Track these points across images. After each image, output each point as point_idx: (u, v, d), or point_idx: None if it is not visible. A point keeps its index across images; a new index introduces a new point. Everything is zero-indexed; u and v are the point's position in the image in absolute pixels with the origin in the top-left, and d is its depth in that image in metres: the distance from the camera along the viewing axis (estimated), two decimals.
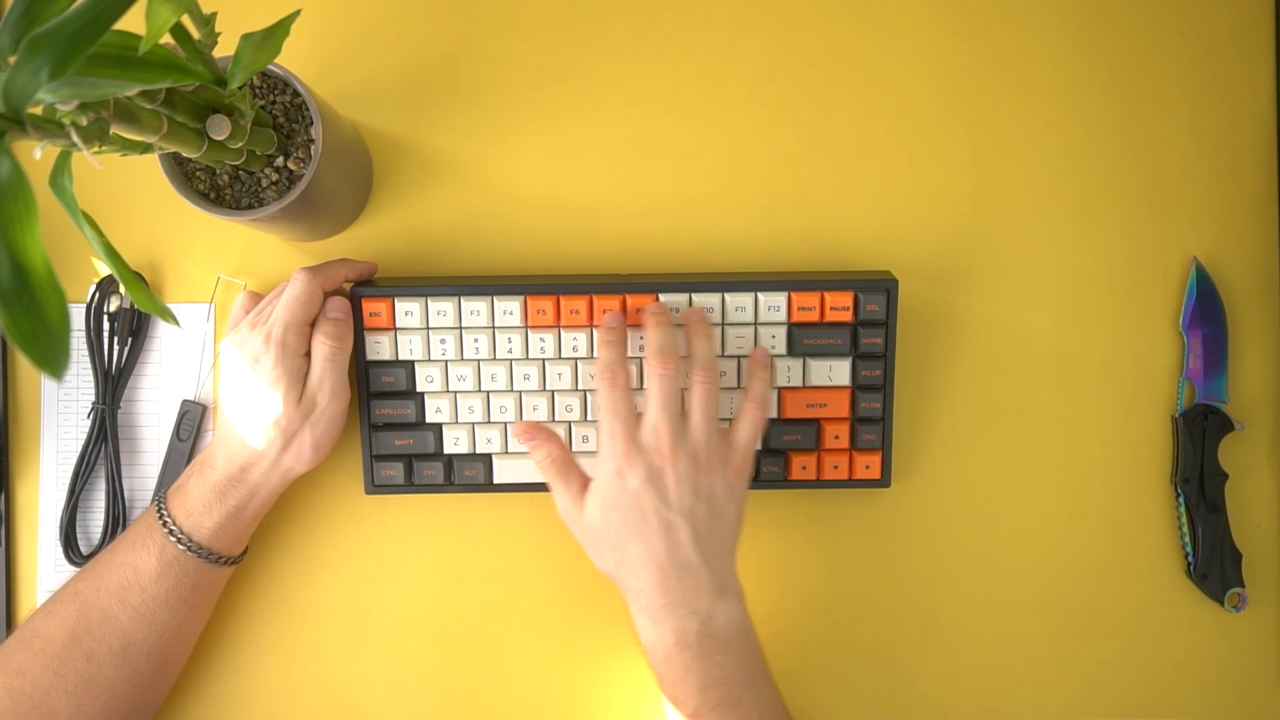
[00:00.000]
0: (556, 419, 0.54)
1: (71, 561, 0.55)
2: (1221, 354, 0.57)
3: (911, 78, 0.58)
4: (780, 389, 0.54)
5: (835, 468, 0.55)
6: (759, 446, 0.52)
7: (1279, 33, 0.59)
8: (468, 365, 0.54)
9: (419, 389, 0.54)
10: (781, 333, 0.53)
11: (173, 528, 0.49)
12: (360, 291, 0.53)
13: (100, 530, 0.56)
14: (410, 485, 0.55)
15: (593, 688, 0.57)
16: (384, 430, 0.54)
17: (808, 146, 0.58)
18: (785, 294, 0.53)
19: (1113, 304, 0.58)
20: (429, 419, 0.54)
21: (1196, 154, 0.58)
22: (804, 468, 0.55)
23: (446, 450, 0.55)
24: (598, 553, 0.49)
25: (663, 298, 0.53)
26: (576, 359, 0.54)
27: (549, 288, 0.53)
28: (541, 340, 0.53)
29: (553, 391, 0.54)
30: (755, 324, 0.53)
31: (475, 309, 0.53)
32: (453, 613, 0.57)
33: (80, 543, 0.56)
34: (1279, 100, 0.59)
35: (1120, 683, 0.57)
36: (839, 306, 0.53)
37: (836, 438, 0.55)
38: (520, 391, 0.54)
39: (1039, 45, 0.58)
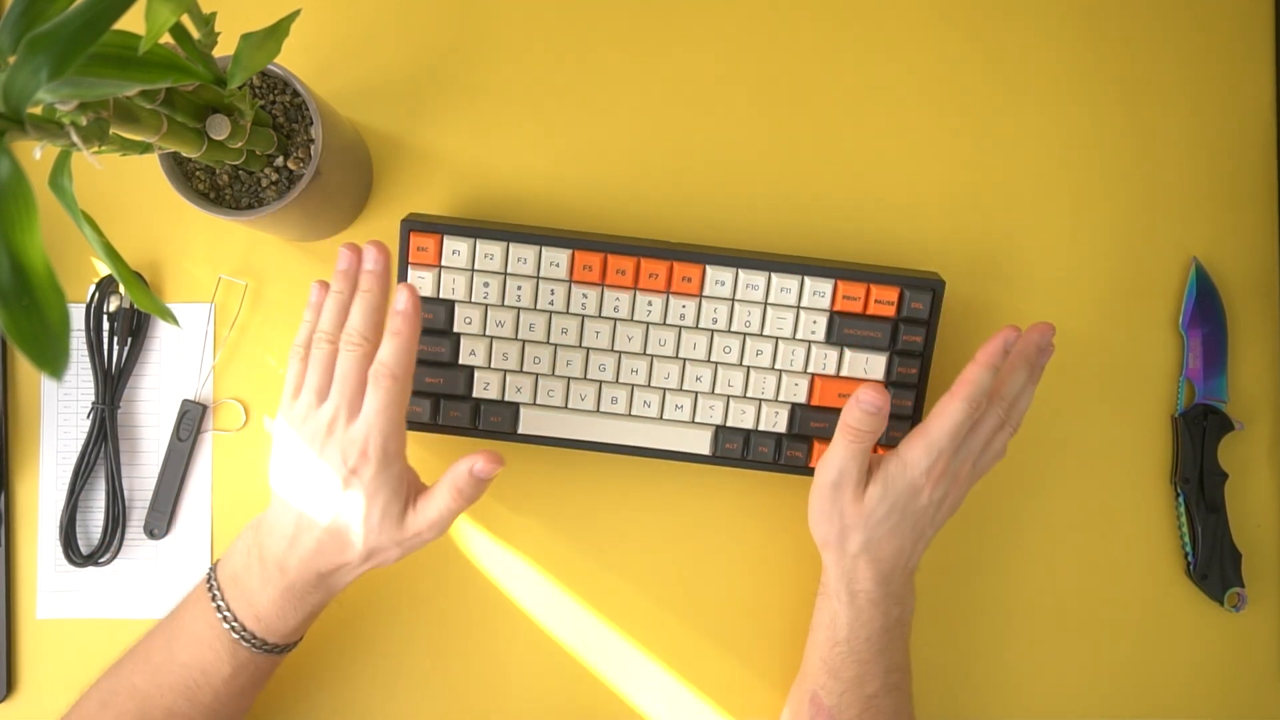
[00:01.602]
0: (588, 376, 0.54)
1: (71, 561, 0.55)
2: (1221, 354, 0.57)
3: (915, 78, 0.58)
4: (814, 375, 0.54)
5: None
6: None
7: (1279, 33, 0.59)
8: (507, 311, 0.54)
9: (456, 329, 0.54)
10: (823, 319, 0.53)
11: (245, 635, 0.46)
12: (410, 225, 0.53)
13: (100, 530, 0.56)
14: (434, 425, 0.55)
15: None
16: (416, 365, 0.54)
17: (817, 140, 0.58)
18: (832, 281, 0.53)
19: (1112, 303, 0.58)
20: (462, 360, 0.54)
21: (1196, 154, 0.58)
22: None
23: (475, 394, 0.55)
24: (849, 534, 0.49)
25: (710, 271, 0.53)
26: (615, 319, 0.54)
27: (599, 244, 0.53)
28: (584, 296, 0.53)
29: (588, 349, 0.54)
30: (798, 307, 0.53)
31: (523, 256, 0.53)
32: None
33: (80, 543, 0.56)
34: (1279, 100, 0.59)
35: (1120, 682, 0.57)
36: (883, 300, 0.53)
37: None
38: (556, 344, 0.54)
39: (1040, 46, 0.58)
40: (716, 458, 0.55)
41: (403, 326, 0.45)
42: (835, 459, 0.48)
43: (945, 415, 0.47)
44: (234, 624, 0.46)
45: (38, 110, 0.31)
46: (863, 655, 0.49)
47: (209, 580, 0.48)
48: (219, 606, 0.47)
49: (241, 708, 0.49)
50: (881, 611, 0.49)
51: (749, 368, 0.54)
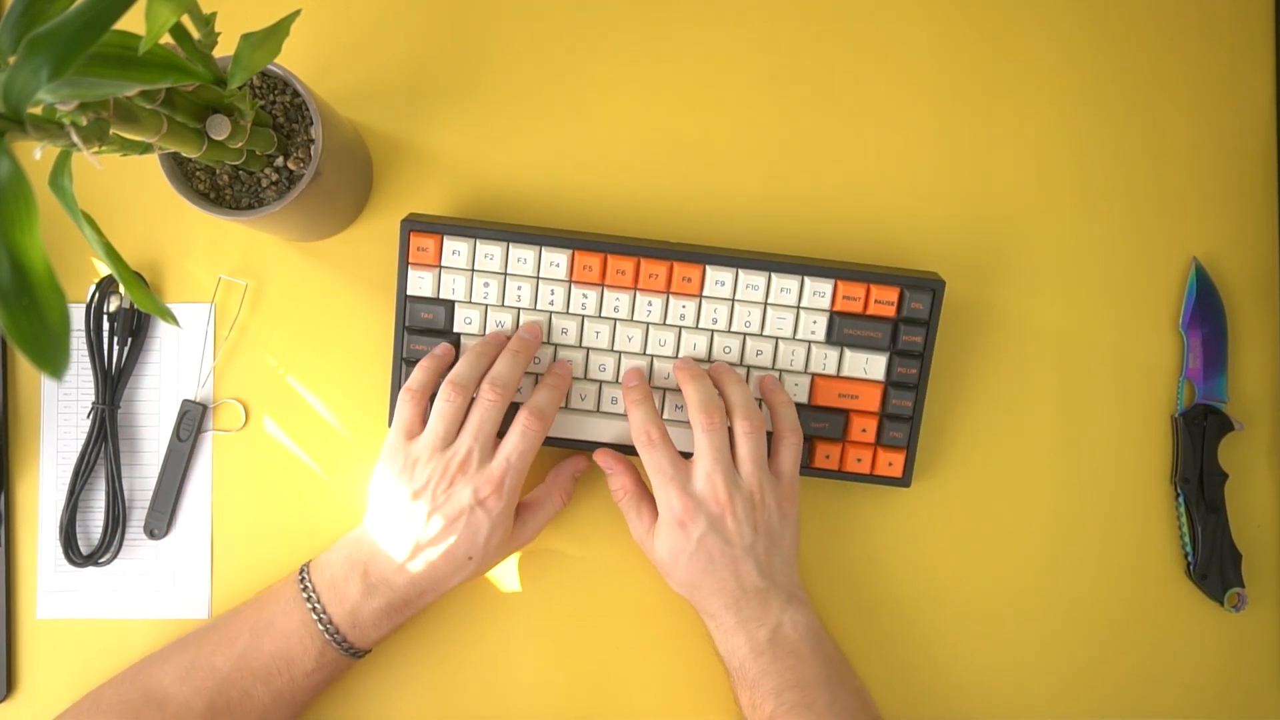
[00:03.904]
0: (589, 376, 0.54)
1: (71, 561, 0.55)
2: (1221, 354, 0.57)
3: (915, 79, 0.58)
4: (815, 375, 0.54)
5: (859, 461, 0.55)
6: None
7: (1279, 33, 0.59)
8: (507, 312, 0.54)
9: (456, 330, 0.54)
10: (823, 319, 0.54)
11: (338, 638, 0.49)
12: (410, 225, 0.53)
13: (100, 530, 0.56)
14: None
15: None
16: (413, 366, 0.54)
17: (817, 140, 0.58)
18: (832, 281, 0.53)
19: (1112, 304, 0.58)
20: None
21: (1197, 154, 0.58)
22: (827, 456, 0.55)
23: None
24: (670, 582, 0.52)
25: (710, 271, 0.53)
26: (616, 319, 0.54)
27: (598, 245, 0.53)
28: (584, 296, 0.53)
29: (588, 349, 0.54)
30: (798, 307, 0.53)
31: (522, 257, 0.53)
32: None
33: (80, 543, 0.56)
34: (1279, 100, 0.59)
35: (1120, 683, 0.57)
36: (884, 300, 0.53)
37: (864, 431, 0.54)
38: (556, 345, 0.54)
39: (1040, 47, 0.58)
40: None
41: (559, 381, 0.52)
42: (627, 522, 0.53)
43: (644, 458, 0.50)
44: (328, 626, 0.49)
45: (38, 110, 0.31)
46: (744, 681, 0.49)
47: (303, 583, 0.50)
48: (314, 609, 0.49)
49: (307, 700, 0.51)
50: (745, 637, 0.49)
51: (749, 368, 0.54)
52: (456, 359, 0.52)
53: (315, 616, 0.49)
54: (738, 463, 0.50)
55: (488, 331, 0.54)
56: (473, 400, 0.50)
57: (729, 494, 0.48)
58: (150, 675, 0.50)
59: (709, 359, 0.54)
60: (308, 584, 0.50)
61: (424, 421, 0.50)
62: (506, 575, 0.57)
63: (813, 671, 0.48)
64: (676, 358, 0.54)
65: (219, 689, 0.48)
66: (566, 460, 0.55)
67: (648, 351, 0.54)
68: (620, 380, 0.54)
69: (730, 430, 0.50)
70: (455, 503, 0.48)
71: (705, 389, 0.50)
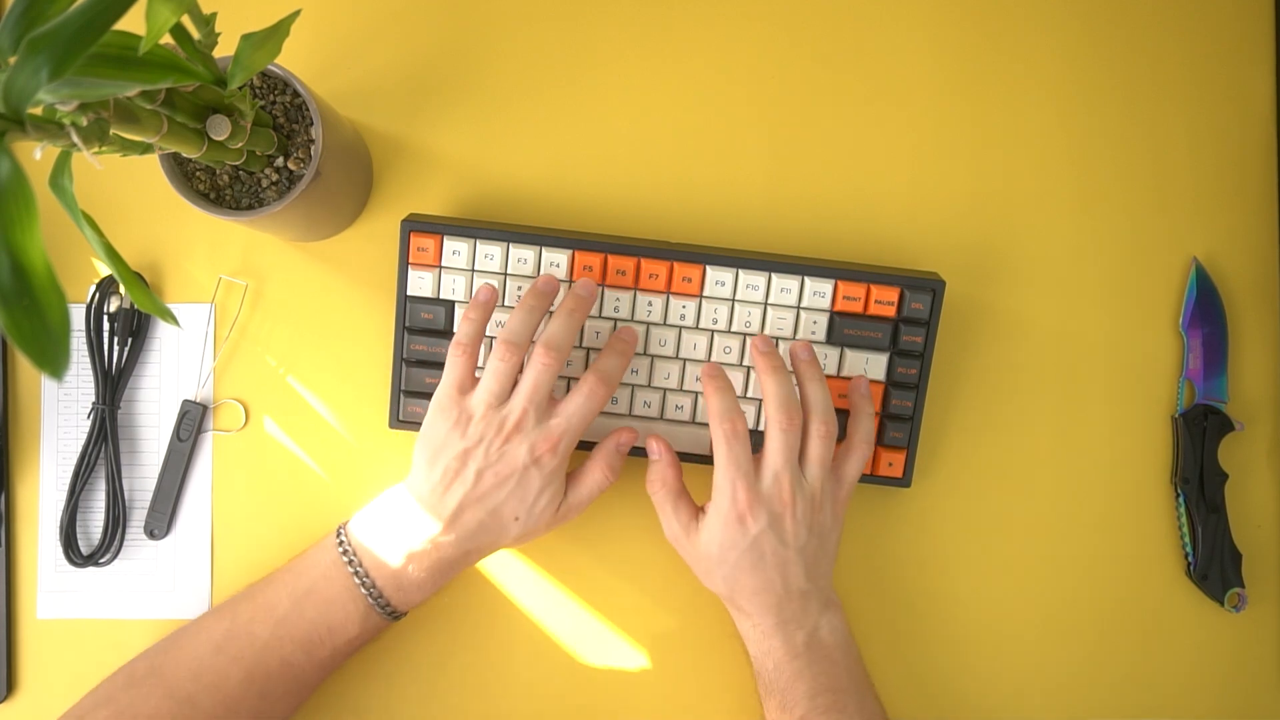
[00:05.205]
0: None
1: (72, 562, 0.55)
2: (1221, 354, 0.57)
3: (915, 80, 0.58)
4: None
5: None
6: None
7: (1279, 33, 0.59)
8: (508, 312, 0.53)
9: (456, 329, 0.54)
10: (823, 320, 0.54)
11: (382, 602, 0.49)
12: (410, 225, 0.53)
13: (100, 530, 0.56)
14: None
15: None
16: (416, 367, 0.54)
17: (817, 140, 0.58)
18: (832, 282, 0.53)
19: (1113, 304, 0.58)
20: None
21: (1197, 154, 0.58)
22: None
23: None
24: (708, 578, 0.51)
25: (710, 271, 0.53)
26: (616, 319, 0.54)
27: (598, 245, 0.53)
28: None
29: (589, 349, 0.54)
30: (799, 307, 0.53)
31: (523, 257, 0.53)
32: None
33: (80, 543, 0.56)
34: (1279, 100, 0.59)
35: (1120, 683, 0.57)
36: (884, 300, 0.53)
37: None
38: None
39: (1041, 47, 0.58)
40: None
41: (626, 348, 0.51)
42: (661, 517, 0.52)
43: (719, 448, 0.48)
44: (371, 590, 0.48)
45: (38, 110, 0.31)
46: (777, 683, 0.49)
47: (342, 547, 0.49)
48: (357, 573, 0.48)
49: (342, 663, 0.51)
50: (782, 639, 0.48)
51: (749, 368, 0.54)
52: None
53: (358, 580, 0.48)
54: (805, 463, 0.49)
55: (487, 333, 0.53)
56: (526, 359, 0.48)
57: (793, 494, 0.48)
58: (185, 644, 0.49)
59: (709, 359, 0.54)
60: (347, 547, 0.49)
61: (475, 376, 0.49)
62: (509, 576, 0.57)
63: (845, 677, 0.48)
64: (676, 357, 0.54)
65: (258, 657, 0.48)
66: (611, 434, 0.52)
67: (648, 351, 0.54)
68: (701, 372, 0.52)
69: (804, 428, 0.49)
70: (509, 460, 0.47)
71: (787, 386, 0.49)
